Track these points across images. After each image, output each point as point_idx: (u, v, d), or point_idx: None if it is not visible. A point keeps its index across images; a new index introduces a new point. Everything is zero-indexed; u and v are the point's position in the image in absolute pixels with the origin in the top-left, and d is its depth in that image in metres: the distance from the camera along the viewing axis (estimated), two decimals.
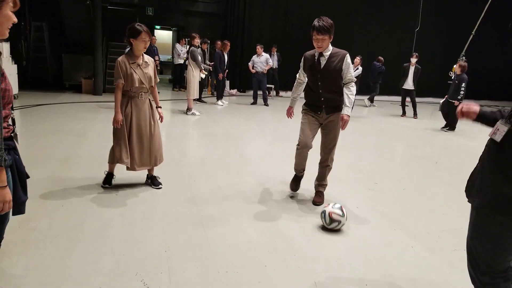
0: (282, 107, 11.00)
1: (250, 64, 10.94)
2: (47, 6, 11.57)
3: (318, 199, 3.79)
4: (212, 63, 10.53)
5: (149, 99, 3.75)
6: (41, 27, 11.61)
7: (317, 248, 2.92)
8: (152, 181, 3.96)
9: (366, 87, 12.14)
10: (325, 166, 3.80)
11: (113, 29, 12.39)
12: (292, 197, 3.97)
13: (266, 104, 10.99)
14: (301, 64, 3.75)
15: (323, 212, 3.19)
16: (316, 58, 3.56)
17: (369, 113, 11.18)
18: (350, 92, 3.52)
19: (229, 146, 6.00)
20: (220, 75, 10.23)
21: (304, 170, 3.92)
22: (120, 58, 3.55)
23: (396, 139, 7.78)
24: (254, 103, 11.07)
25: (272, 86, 13.11)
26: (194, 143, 6.31)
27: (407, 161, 6.08)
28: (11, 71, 8.51)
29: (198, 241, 2.89)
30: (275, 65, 12.67)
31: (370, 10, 14.56)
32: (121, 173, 3.99)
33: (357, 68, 10.06)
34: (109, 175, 3.85)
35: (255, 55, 10.88)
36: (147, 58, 3.69)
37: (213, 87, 13.17)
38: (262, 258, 2.71)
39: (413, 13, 14.65)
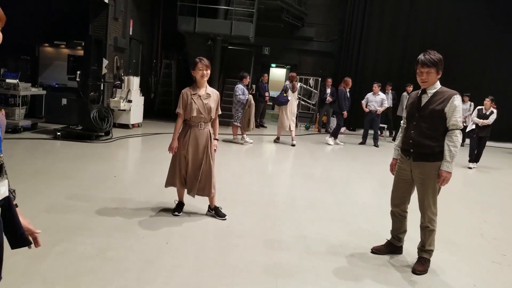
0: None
1: (363, 102, 10.29)
2: (176, 46, 12.97)
3: (419, 267, 3.13)
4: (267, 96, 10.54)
5: (209, 131, 3.80)
6: (170, 64, 13.03)
7: None
8: (216, 212, 3.96)
9: None
10: (423, 227, 3.17)
11: (231, 66, 13.26)
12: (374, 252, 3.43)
13: (376, 145, 10.22)
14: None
15: None
16: (418, 95, 3.11)
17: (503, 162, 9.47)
18: (451, 143, 2.95)
19: (325, 189, 5.57)
20: (345, 113, 9.73)
21: (398, 235, 3.40)
22: (184, 89, 3.73)
23: None
24: (363, 143, 10.39)
25: (385, 126, 12.25)
26: (287, 181, 6.03)
27: None
28: (138, 102, 9.59)
29: None
30: (390, 103, 11.86)
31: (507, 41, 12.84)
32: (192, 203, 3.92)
33: (491, 112, 8.23)
34: (179, 204, 3.97)
35: (371, 93, 10.22)
36: (210, 90, 3.79)
37: (321, 124, 12.92)
38: None
39: None
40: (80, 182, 4.73)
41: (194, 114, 3.65)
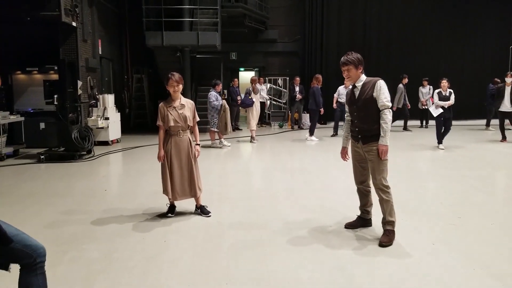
0: None
1: (335, 95, 10.66)
2: (145, 60, 13.24)
3: (385, 238, 3.57)
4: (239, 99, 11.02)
5: (189, 137, 4.19)
6: (141, 78, 13.29)
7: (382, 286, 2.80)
8: (202, 210, 4.35)
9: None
10: (380, 200, 3.62)
11: (201, 74, 13.63)
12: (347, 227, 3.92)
13: None
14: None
15: None
16: (351, 90, 3.70)
17: (467, 139, 10.27)
18: (383, 121, 3.47)
19: (302, 179, 6.05)
20: (322, 110, 10.10)
21: (366, 208, 3.90)
22: (160, 103, 4.14)
23: (493, 167, 7.01)
24: (335, 134, 10.97)
25: None
26: (268, 177, 6.49)
27: (502, 193, 5.45)
28: (115, 119, 9.84)
29: (258, 275, 2.99)
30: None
31: (458, 29, 13.92)
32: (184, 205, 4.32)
33: (450, 92, 8.40)
34: (171, 207, 4.36)
35: (342, 86, 10.56)
36: (185, 101, 4.17)
37: (293, 121, 13.46)
38: None
39: (505, 29, 13.54)
40: (73, 199, 5.03)
41: (172, 124, 4.04)
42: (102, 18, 10.97)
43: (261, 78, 13.99)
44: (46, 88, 7.49)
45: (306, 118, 13.68)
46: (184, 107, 4.13)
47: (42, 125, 8.87)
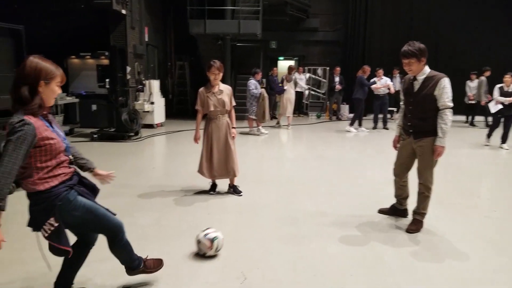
0: None
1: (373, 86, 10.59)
2: (188, 48, 13.68)
3: (412, 226, 3.65)
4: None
5: (227, 121, 4.43)
6: (184, 66, 13.76)
7: (410, 274, 2.90)
8: (234, 190, 4.64)
9: None
10: (420, 193, 3.67)
11: (241, 63, 13.90)
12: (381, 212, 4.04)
13: (385, 127, 10.72)
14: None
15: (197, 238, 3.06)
16: (411, 81, 3.56)
17: None
18: (442, 121, 3.37)
19: (338, 168, 6.19)
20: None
21: (400, 199, 3.93)
22: (200, 89, 4.38)
23: None
24: (375, 127, 10.80)
25: (395, 109, 12.71)
26: (303, 164, 6.68)
27: None
28: (160, 104, 10.35)
29: (290, 257, 3.21)
30: (398, 87, 12.24)
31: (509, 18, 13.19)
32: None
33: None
34: (213, 185, 4.70)
35: (376, 78, 10.51)
36: (223, 86, 4.38)
37: (331, 112, 13.44)
38: (349, 268, 2.91)
39: None
40: (124, 174, 5.48)
41: (212, 108, 4.30)
42: (149, 6, 11.46)
43: (301, 68, 14.02)
44: (99, 72, 8.04)
45: (344, 109, 13.63)
46: (222, 92, 4.34)
47: (94, 107, 9.52)
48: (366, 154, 7.40)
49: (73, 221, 2.15)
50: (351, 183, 5.25)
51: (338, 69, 12.96)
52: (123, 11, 9.40)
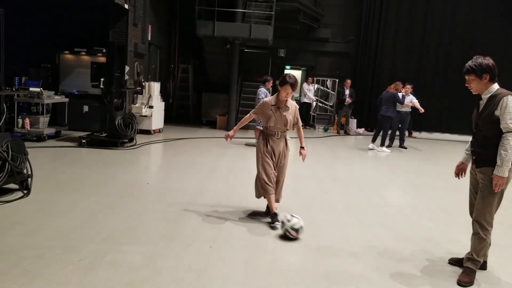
0: (421, 149, 9.90)
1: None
2: (193, 50, 12.96)
3: (465, 278, 2.94)
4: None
5: (286, 139, 4.04)
6: (187, 69, 13.01)
7: None
8: (272, 218, 3.91)
9: None
10: (474, 233, 3.00)
11: (248, 69, 13.18)
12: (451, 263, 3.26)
13: (402, 146, 9.96)
14: None
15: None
16: (477, 102, 3.05)
17: None
18: (502, 147, 2.81)
19: (357, 192, 5.42)
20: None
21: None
22: (267, 98, 4.02)
23: None
24: (390, 145, 10.03)
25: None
26: (319, 185, 5.90)
27: None
28: (159, 108, 9.56)
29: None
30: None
31: None
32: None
33: None
34: (274, 215, 3.89)
35: (401, 93, 9.69)
36: (289, 103, 3.93)
37: (339, 125, 12.72)
38: None
39: None
40: (111, 191, 4.64)
41: (272, 124, 3.88)
42: (154, 3, 10.73)
43: (310, 78, 13.35)
44: (93, 70, 7.25)
45: (353, 123, 12.94)
46: (288, 110, 3.92)
47: (86, 108, 8.70)
48: (383, 175, 6.61)
49: None
50: (378, 211, 4.46)
51: (348, 81, 12.31)
52: (126, 6, 8.65)
